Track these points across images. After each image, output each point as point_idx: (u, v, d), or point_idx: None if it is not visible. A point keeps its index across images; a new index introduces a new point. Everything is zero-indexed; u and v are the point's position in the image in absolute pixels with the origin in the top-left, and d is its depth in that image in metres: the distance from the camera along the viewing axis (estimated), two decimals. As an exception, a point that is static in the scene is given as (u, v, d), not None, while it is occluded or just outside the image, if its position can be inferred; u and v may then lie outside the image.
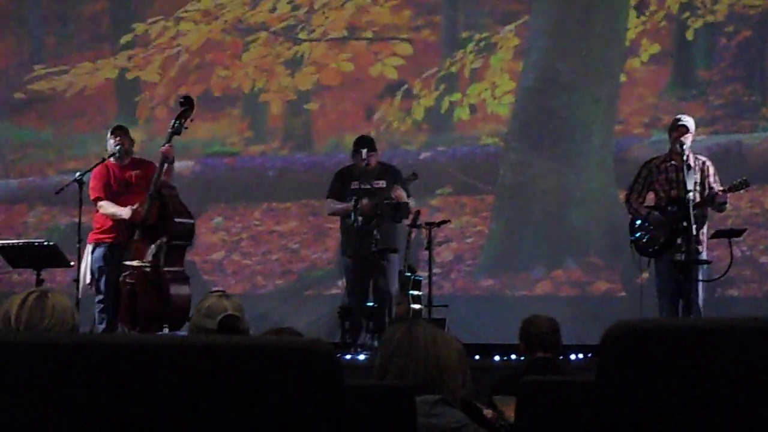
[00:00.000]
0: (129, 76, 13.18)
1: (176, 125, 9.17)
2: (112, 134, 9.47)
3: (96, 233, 9.39)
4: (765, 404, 1.66)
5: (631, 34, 11.67)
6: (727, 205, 9.03)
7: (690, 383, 1.67)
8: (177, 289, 8.99)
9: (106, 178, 9.36)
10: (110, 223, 9.31)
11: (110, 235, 9.30)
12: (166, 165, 9.05)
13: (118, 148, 9.38)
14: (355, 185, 9.64)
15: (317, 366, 1.70)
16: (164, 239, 8.95)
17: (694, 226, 8.69)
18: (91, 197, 9.36)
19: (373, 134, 11.41)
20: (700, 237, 8.89)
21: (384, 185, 9.61)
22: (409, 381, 3.23)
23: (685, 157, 8.88)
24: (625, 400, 1.69)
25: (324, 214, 11.36)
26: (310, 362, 1.70)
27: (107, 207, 9.30)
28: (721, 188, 8.91)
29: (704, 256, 8.97)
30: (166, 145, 9.10)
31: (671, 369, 1.67)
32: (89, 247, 9.41)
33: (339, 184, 9.84)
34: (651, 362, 1.68)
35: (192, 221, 9.36)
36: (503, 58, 12.04)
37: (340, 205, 9.84)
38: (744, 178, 8.86)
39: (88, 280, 9.32)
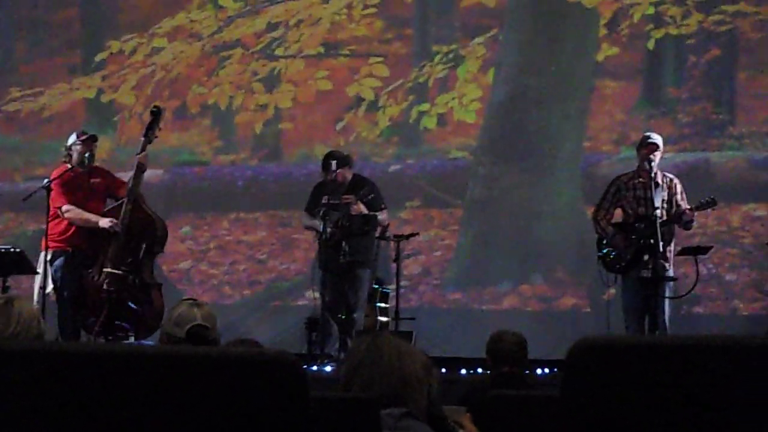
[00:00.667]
0: (104, 99, 13.15)
1: (149, 135, 9.22)
2: (79, 139, 9.40)
3: (56, 241, 9.29)
4: (728, 420, 1.67)
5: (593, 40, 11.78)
6: (694, 223, 9.08)
7: (654, 399, 1.68)
8: (157, 297, 9.03)
9: (73, 185, 9.30)
10: (71, 231, 9.25)
11: (71, 243, 9.24)
12: (142, 168, 9.10)
13: (87, 155, 9.34)
14: (324, 199, 9.64)
15: (283, 377, 1.70)
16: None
17: (660, 244, 8.73)
18: (57, 203, 9.23)
19: (342, 144, 11.45)
20: (667, 254, 8.93)
21: (352, 199, 9.63)
22: (373, 393, 3.23)
23: (653, 175, 8.92)
24: (589, 415, 1.70)
25: (293, 224, 11.35)
26: (277, 373, 1.70)
27: (77, 213, 9.23)
28: (688, 207, 8.96)
29: (671, 273, 9.01)
30: (142, 153, 9.12)
31: (636, 385, 1.68)
32: (47, 255, 9.29)
33: (313, 198, 9.85)
34: (615, 378, 1.69)
35: (166, 228, 9.43)
36: (470, 69, 12.08)
37: (309, 222, 9.87)
38: (712, 197, 8.91)
39: (50, 289, 9.22)
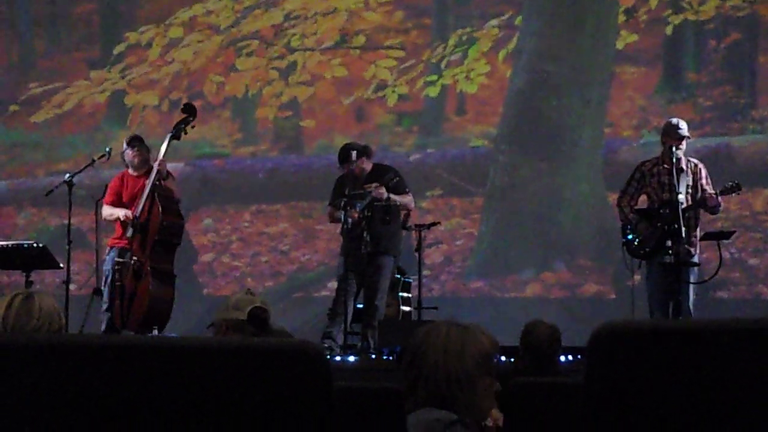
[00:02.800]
0: (128, 101, 13.20)
1: (175, 131, 9.20)
2: (129, 145, 9.49)
3: (114, 238, 9.52)
4: (753, 405, 1.66)
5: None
6: (721, 207, 9.01)
7: (678, 384, 1.67)
8: (157, 286, 9.02)
9: (120, 186, 9.45)
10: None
11: (124, 240, 9.36)
12: (158, 175, 9.09)
13: (138, 160, 9.44)
14: (347, 191, 9.61)
15: (307, 367, 1.70)
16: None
17: (684, 229, 8.68)
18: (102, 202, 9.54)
19: (361, 134, 11.43)
20: (693, 239, 8.88)
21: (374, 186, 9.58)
22: (420, 394, 3.08)
23: (675, 160, 8.86)
24: (613, 401, 1.69)
25: (314, 215, 11.37)
26: (301, 363, 1.70)
27: (107, 212, 9.45)
28: (712, 191, 8.90)
29: (696, 258, 8.96)
30: (161, 159, 9.11)
31: (659, 370, 1.68)
32: (109, 251, 9.49)
33: (336, 191, 9.77)
34: (638, 363, 1.68)
35: (181, 221, 9.41)
36: (482, 49, 12.08)
37: (336, 214, 9.80)
38: (736, 181, 8.84)
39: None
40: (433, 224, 10.40)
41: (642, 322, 1.74)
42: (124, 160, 9.60)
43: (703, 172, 9.03)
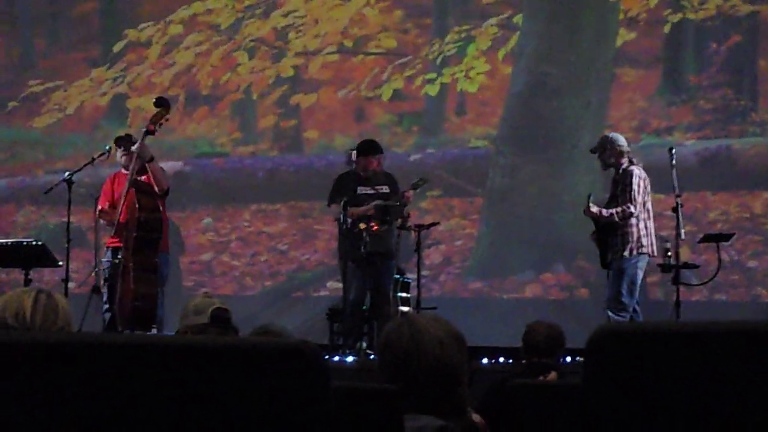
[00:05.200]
0: (130, 105, 13.20)
1: (152, 128, 9.16)
2: (116, 145, 9.47)
3: (109, 238, 9.51)
4: (749, 407, 1.66)
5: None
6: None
7: (675, 386, 1.67)
8: (138, 283, 8.97)
9: (109, 190, 9.46)
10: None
11: (114, 239, 9.37)
12: (138, 162, 9.04)
13: (124, 158, 9.41)
14: (362, 190, 9.60)
15: (305, 367, 1.70)
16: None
17: (609, 237, 9.05)
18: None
19: (361, 134, 11.44)
20: (614, 246, 9.03)
21: (387, 190, 9.60)
22: (416, 393, 2.95)
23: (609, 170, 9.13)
24: (610, 403, 1.70)
25: (314, 215, 11.36)
26: (298, 363, 1.70)
27: (101, 216, 9.46)
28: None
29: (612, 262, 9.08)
30: (138, 144, 9.07)
31: (657, 372, 1.68)
32: (106, 252, 9.52)
33: (342, 189, 9.71)
34: (637, 365, 1.68)
35: (158, 215, 9.27)
36: (480, 47, 12.08)
37: (358, 210, 9.68)
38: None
39: None
40: (433, 224, 10.40)
41: (639, 325, 1.75)
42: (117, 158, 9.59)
43: (627, 180, 9.06)
